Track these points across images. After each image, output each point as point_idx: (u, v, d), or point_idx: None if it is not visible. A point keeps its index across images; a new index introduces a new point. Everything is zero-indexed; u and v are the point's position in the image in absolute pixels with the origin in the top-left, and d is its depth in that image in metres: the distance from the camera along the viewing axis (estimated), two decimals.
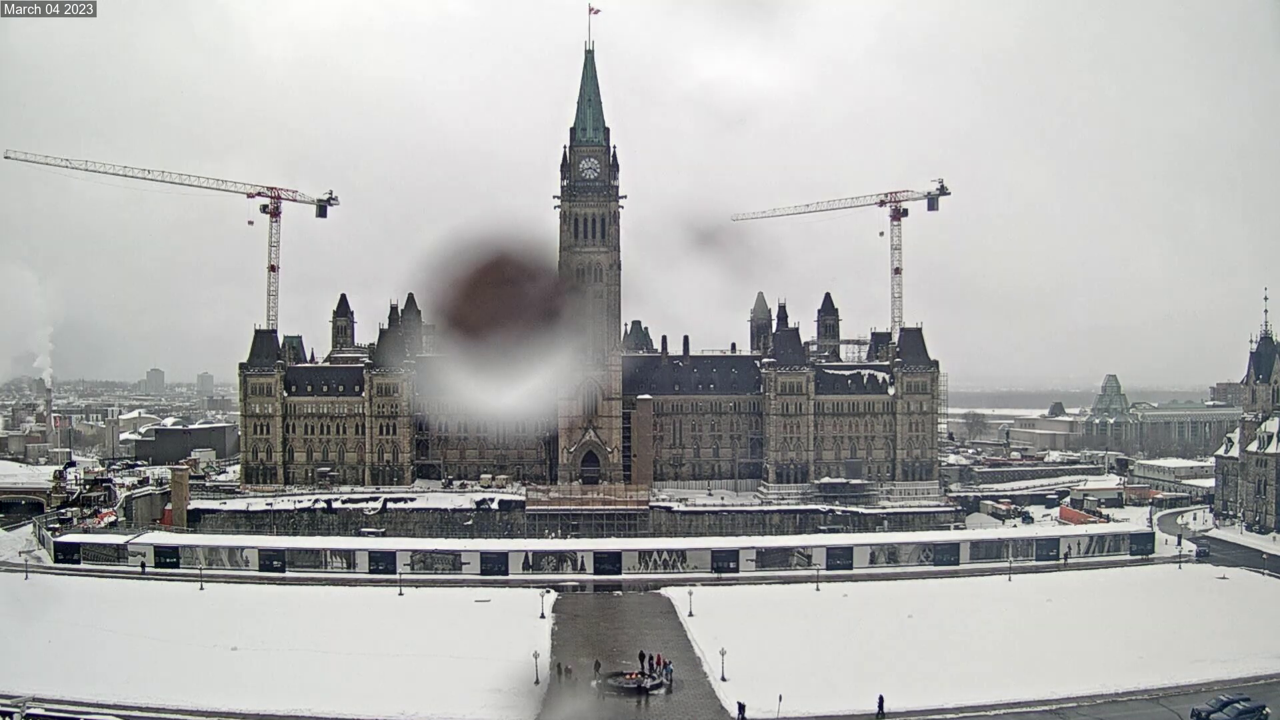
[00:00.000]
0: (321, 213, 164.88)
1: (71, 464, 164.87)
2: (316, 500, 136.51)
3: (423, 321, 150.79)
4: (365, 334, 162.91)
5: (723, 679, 67.63)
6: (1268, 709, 61.50)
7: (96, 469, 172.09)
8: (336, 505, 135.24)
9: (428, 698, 63.47)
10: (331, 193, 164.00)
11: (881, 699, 61.78)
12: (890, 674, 69.10)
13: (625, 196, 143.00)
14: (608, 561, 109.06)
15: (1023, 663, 71.57)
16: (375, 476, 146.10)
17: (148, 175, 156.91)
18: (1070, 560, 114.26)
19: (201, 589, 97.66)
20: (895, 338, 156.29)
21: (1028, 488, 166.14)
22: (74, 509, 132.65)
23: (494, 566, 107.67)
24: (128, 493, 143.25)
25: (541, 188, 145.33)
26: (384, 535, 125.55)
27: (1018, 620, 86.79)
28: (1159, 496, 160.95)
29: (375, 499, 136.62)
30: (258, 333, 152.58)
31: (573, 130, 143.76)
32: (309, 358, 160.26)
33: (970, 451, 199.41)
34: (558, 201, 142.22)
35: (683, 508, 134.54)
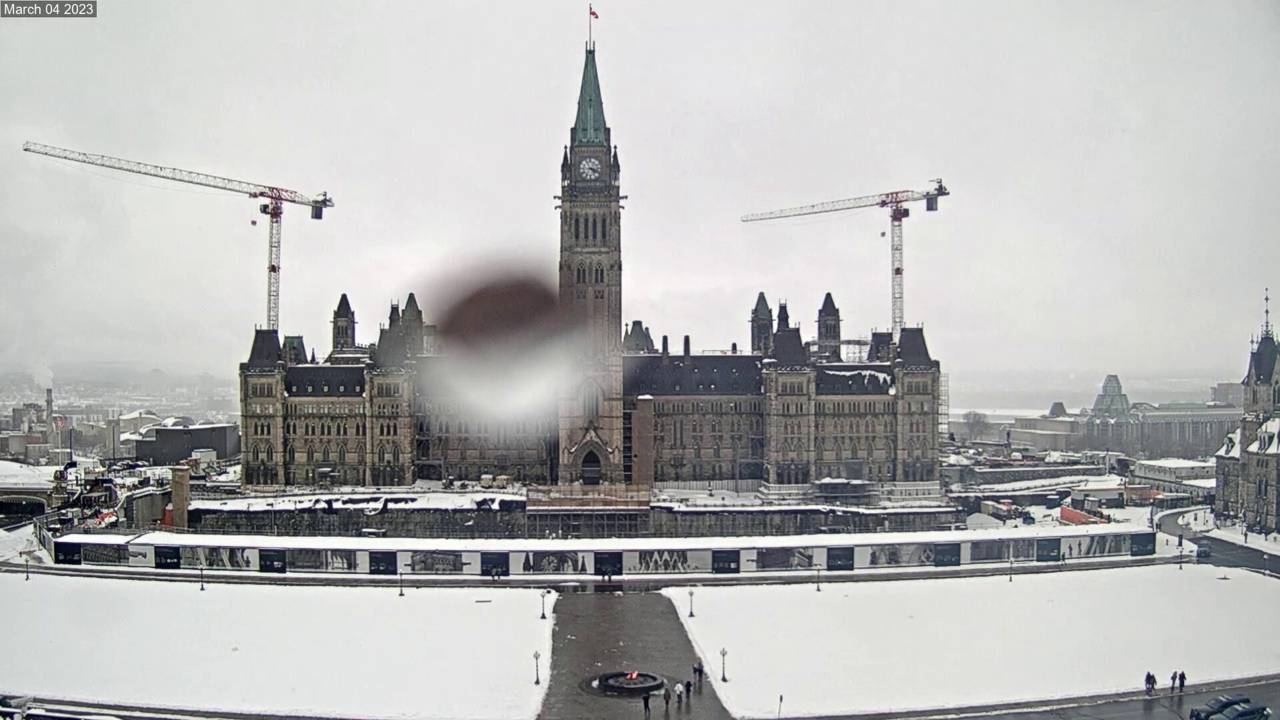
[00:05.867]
0: (317, 214, 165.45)
1: (72, 464, 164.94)
2: (317, 501, 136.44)
3: (423, 322, 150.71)
4: (366, 334, 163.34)
5: (724, 679, 67.56)
6: (1269, 710, 61.44)
7: (97, 469, 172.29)
8: (337, 506, 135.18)
9: (428, 698, 63.51)
10: (326, 194, 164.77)
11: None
12: (891, 674, 69.17)
13: (626, 197, 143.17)
14: (608, 562, 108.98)
15: (1023, 663, 71.53)
16: (376, 477, 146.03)
17: (159, 172, 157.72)
18: (1071, 560, 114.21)
19: (202, 589, 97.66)
20: (896, 338, 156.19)
21: (1029, 488, 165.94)
22: (75, 509, 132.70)
23: (495, 567, 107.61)
24: (128, 493, 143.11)
25: (542, 188, 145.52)
26: (385, 536, 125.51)
27: (1019, 621, 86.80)
28: (1160, 497, 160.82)
29: (376, 499, 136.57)
30: (258, 333, 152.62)
31: (573, 130, 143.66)
32: (309, 358, 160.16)
33: (971, 452, 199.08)
34: (558, 202, 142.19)
35: (683, 508, 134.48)
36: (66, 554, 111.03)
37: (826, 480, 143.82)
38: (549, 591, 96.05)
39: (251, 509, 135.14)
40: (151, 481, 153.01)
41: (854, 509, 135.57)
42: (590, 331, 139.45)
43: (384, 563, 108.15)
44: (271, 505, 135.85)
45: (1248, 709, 61.38)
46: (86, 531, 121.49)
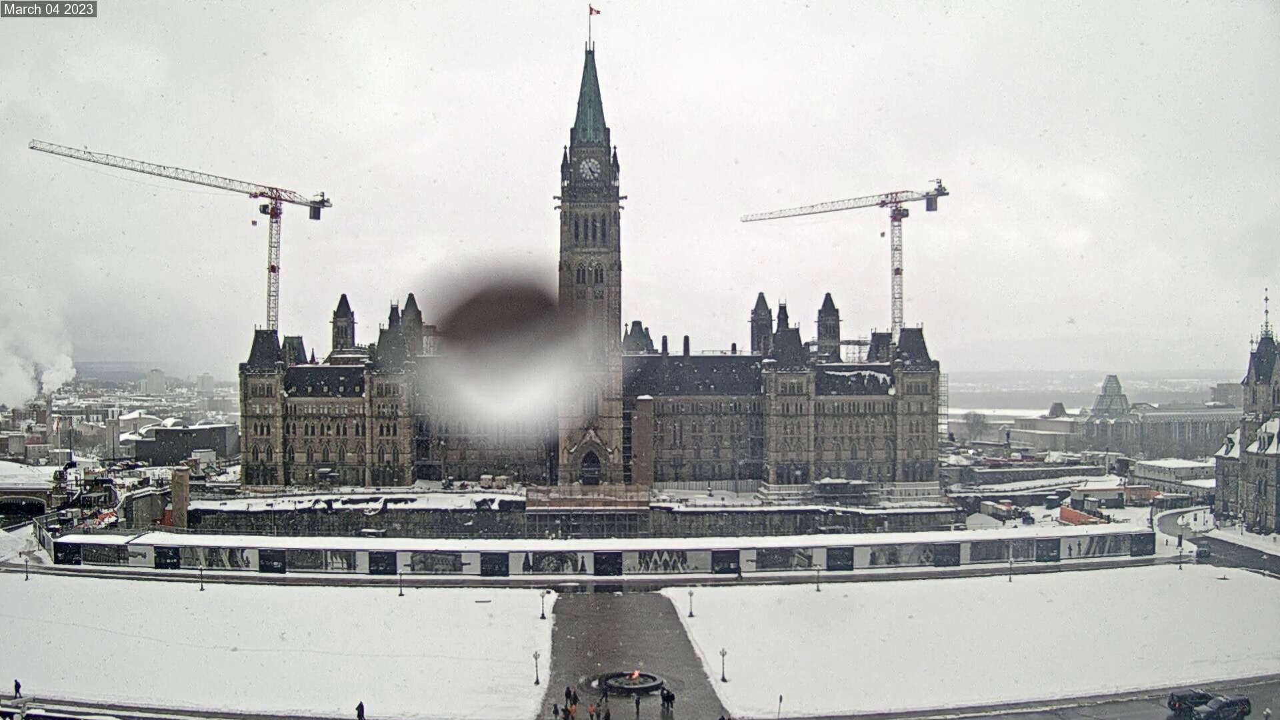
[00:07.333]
0: (315, 214, 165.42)
1: (72, 465, 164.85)
2: (317, 501, 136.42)
3: (423, 322, 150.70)
4: (366, 335, 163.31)
5: (723, 680, 67.62)
6: (1254, 702, 61.52)
7: (97, 470, 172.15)
8: (337, 506, 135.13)
9: (428, 698, 63.55)
10: (324, 194, 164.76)
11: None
12: (891, 674, 69.21)
13: (625, 197, 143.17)
14: (608, 562, 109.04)
15: (1023, 663, 71.57)
16: (375, 477, 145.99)
17: (161, 171, 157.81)
18: (1070, 561, 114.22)
19: (202, 589, 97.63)
20: (896, 338, 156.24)
21: (1028, 488, 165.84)
22: (74, 510, 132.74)
23: (494, 567, 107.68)
24: (128, 493, 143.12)
25: (542, 188, 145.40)
26: (384, 536, 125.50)
27: (1018, 621, 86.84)
28: (1160, 497, 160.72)
29: (375, 499, 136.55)
30: (258, 333, 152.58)
31: (573, 131, 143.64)
32: (309, 358, 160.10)
33: (971, 452, 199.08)
34: (558, 202, 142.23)
35: (683, 508, 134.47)
36: (66, 554, 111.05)
37: (826, 480, 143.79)
38: (549, 592, 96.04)
39: (251, 509, 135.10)
40: (151, 482, 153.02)
41: (854, 509, 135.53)
42: (590, 332, 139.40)
43: (384, 563, 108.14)
44: (271, 505, 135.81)
45: (1231, 699, 61.55)
46: (86, 532, 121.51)
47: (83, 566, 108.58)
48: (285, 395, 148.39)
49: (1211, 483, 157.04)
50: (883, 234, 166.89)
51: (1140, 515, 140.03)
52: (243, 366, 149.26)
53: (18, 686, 62.00)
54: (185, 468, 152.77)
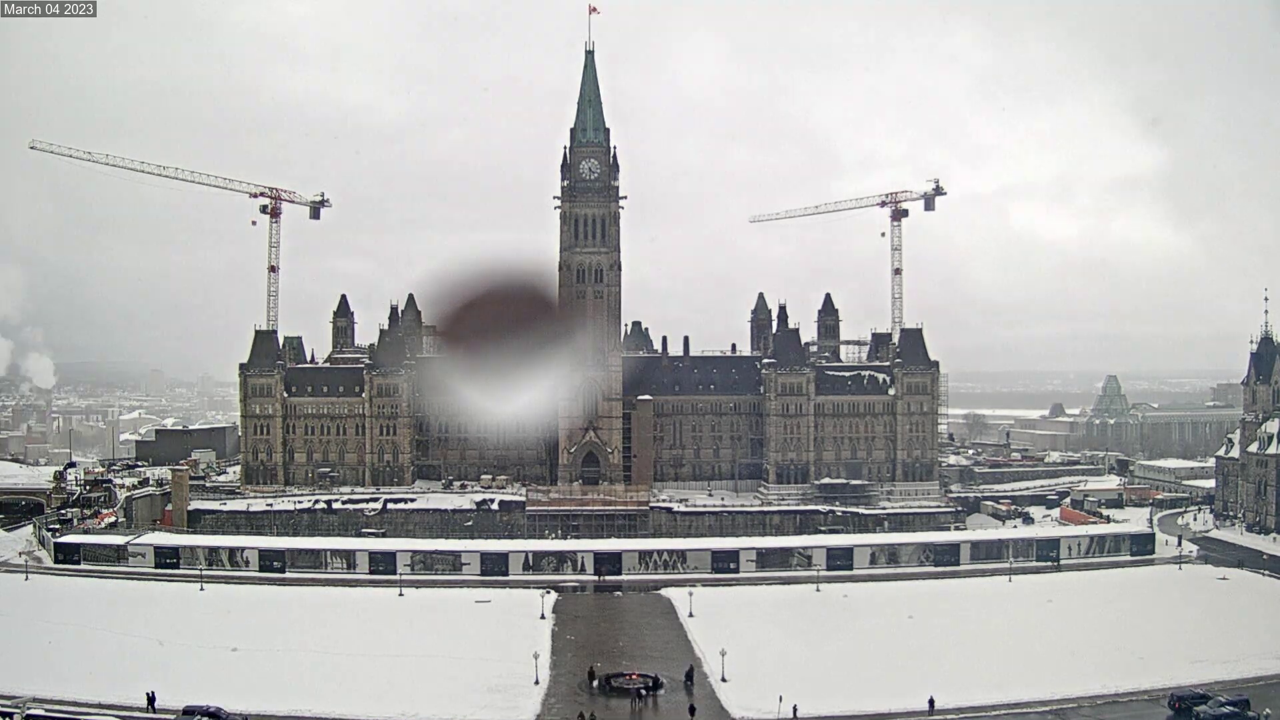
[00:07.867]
0: (315, 214, 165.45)
1: (72, 465, 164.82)
2: (316, 501, 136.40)
3: (423, 322, 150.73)
4: (365, 335, 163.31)
5: (723, 680, 67.66)
6: (1255, 705, 61.47)
7: (97, 470, 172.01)
8: (337, 506, 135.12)
9: (428, 698, 63.59)
10: (324, 194, 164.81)
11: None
12: (891, 674, 69.24)
13: (625, 197, 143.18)
14: (608, 562, 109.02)
15: (1023, 663, 71.62)
16: (375, 477, 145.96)
17: (161, 171, 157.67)
18: (1070, 561, 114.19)
19: (202, 589, 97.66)
20: (895, 338, 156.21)
21: (1028, 488, 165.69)
22: (74, 510, 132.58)
23: (494, 567, 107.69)
24: (128, 493, 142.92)
25: (542, 188, 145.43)
26: (384, 536, 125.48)
27: (1018, 620, 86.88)
28: (1159, 497, 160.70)
29: (375, 500, 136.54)
30: (258, 333, 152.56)
31: (573, 131, 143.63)
32: (309, 358, 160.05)
33: (971, 452, 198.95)
34: (558, 202, 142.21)
35: (683, 508, 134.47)
36: (66, 554, 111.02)
37: (826, 480, 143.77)
38: (548, 592, 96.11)
39: (251, 509, 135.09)
40: (151, 482, 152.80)
41: (853, 509, 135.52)
42: (590, 331, 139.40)
43: (383, 563, 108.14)
44: (271, 505, 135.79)
45: (1232, 699, 61.55)
46: (86, 532, 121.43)
47: (82, 566, 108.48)
48: (285, 395, 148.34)
49: (1211, 483, 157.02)
50: (883, 234, 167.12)
51: (1140, 515, 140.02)
52: (243, 366, 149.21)
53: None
54: (185, 468, 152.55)
